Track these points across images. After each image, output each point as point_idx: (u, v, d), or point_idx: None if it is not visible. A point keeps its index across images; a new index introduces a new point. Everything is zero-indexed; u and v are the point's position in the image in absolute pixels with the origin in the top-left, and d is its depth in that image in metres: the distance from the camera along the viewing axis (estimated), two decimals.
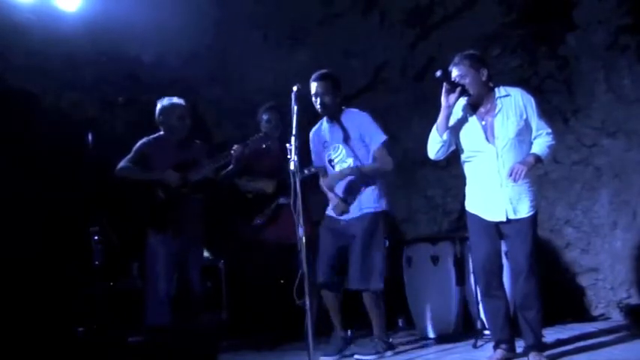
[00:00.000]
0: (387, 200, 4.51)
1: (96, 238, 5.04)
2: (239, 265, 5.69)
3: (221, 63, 6.03)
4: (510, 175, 3.66)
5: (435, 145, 3.90)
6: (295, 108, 4.05)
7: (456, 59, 3.85)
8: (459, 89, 3.76)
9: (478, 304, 4.74)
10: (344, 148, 4.46)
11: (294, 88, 4.17)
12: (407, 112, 6.34)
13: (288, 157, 3.86)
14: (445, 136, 3.85)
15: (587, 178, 5.51)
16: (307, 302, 3.67)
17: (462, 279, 5.01)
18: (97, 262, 5.00)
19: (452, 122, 3.88)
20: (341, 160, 4.48)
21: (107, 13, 5.14)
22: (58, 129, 5.52)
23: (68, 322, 4.94)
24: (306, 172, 4.45)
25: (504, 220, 3.78)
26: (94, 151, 5.26)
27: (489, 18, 5.76)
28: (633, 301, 5.14)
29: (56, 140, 5.41)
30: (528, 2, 5.67)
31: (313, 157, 4.68)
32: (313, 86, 4.42)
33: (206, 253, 5.60)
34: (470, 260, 4.87)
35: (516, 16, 5.73)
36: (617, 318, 5.17)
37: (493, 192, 3.80)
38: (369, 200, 4.44)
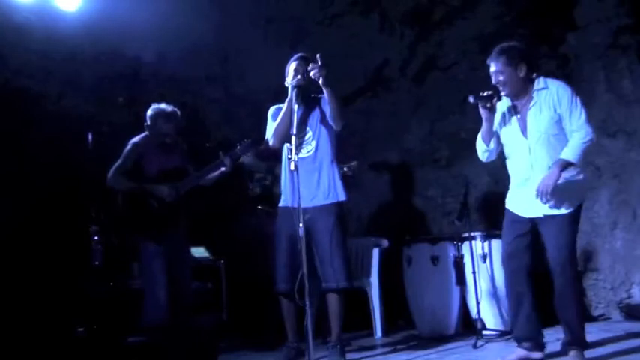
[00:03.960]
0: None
1: (96, 238, 5.04)
2: (239, 265, 5.68)
3: (221, 63, 6.04)
4: (538, 196, 3.56)
5: (483, 154, 3.91)
6: (296, 107, 4.04)
7: (494, 54, 3.72)
8: (494, 99, 3.68)
9: (478, 303, 4.75)
10: (311, 131, 4.27)
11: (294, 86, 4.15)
12: (407, 112, 6.33)
13: (289, 157, 3.82)
14: (492, 145, 3.83)
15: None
16: (307, 302, 3.66)
17: (461, 279, 5.01)
18: (97, 262, 5.00)
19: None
20: (306, 142, 4.25)
21: (107, 13, 5.14)
22: (58, 129, 5.52)
23: (68, 322, 4.93)
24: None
25: (537, 216, 3.68)
26: (94, 151, 5.25)
27: (489, 18, 5.76)
28: (633, 301, 5.14)
29: (56, 140, 5.41)
30: (528, 2, 5.68)
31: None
32: (294, 64, 4.26)
33: (206, 253, 5.60)
34: (470, 260, 4.89)
35: (516, 16, 5.73)
36: (617, 318, 5.17)
37: (526, 187, 3.72)
38: (334, 187, 4.24)
